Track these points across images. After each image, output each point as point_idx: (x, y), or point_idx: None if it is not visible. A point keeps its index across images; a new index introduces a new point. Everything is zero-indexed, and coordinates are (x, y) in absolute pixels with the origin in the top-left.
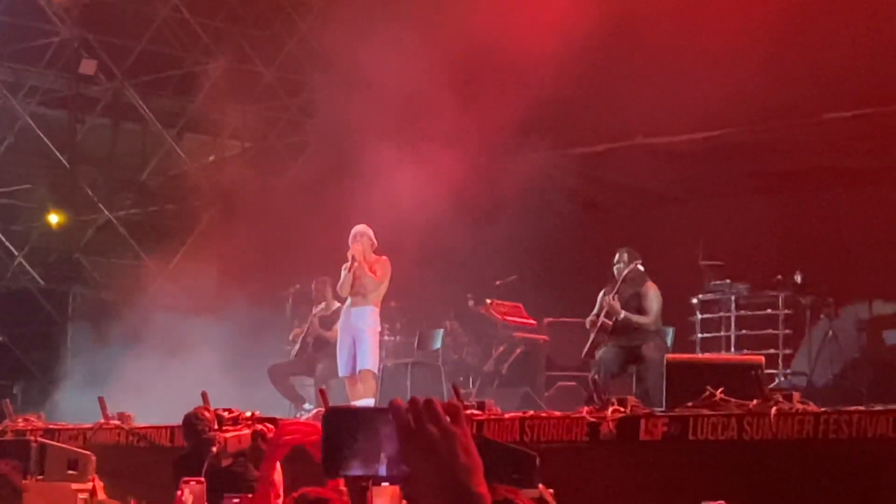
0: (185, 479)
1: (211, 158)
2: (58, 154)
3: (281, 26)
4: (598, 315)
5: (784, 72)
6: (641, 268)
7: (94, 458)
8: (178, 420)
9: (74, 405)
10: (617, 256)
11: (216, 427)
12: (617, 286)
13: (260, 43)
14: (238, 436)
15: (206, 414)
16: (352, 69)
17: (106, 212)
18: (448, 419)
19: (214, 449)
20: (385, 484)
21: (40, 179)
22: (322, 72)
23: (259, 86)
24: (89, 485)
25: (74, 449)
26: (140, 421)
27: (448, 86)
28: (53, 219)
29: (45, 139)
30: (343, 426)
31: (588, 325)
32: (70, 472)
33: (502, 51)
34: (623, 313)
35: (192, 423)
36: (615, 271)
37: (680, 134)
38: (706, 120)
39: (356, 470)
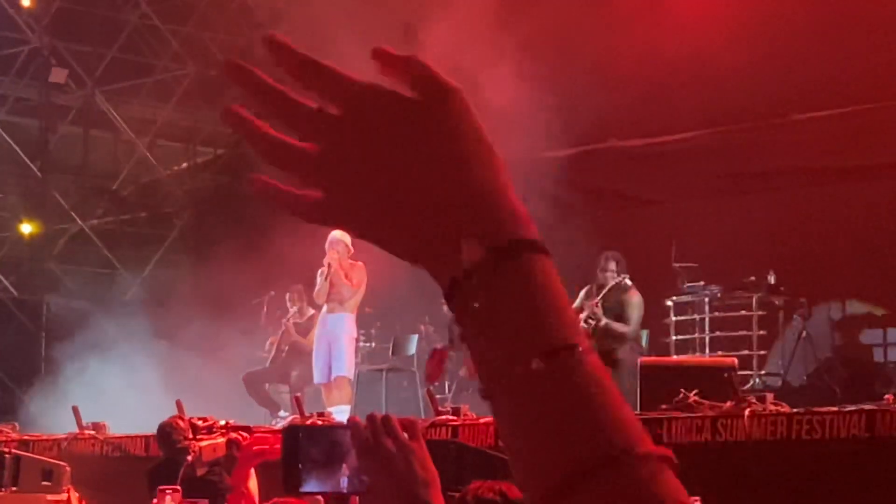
0: (161, 487)
1: (184, 165)
2: (29, 163)
3: (251, 31)
4: (578, 309)
5: (754, 73)
6: (629, 282)
7: (68, 468)
8: (152, 429)
9: (48, 415)
10: (603, 262)
11: (191, 436)
12: (603, 293)
13: (231, 49)
14: (213, 445)
15: (181, 423)
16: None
17: (79, 220)
18: (405, 434)
19: (189, 458)
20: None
21: (11, 189)
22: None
23: (230, 92)
24: (64, 496)
25: (49, 460)
26: (114, 430)
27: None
28: (26, 228)
29: (17, 148)
30: (301, 443)
31: None
32: (45, 482)
33: (474, 53)
34: (605, 320)
35: (167, 432)
36: (600, 277)
37: (652, 136)
38: (678, 122)
39: (315, 486)
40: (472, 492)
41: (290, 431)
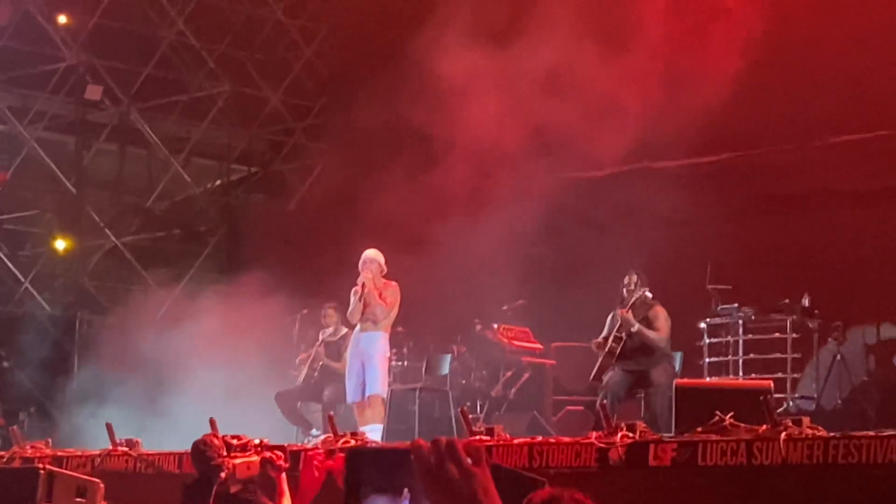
0: None
1: (217, 183)
2: (64, 179)
3: (286, 51)
4: (606, 337)
5: (789, 95)
6: (649, 294)
7: (102, 485)
8: (185, 447)
9: (82, 432)
10: (627, 278)
11: (225, 453)
12: (629, 304)
13: (265, 67)
14: (247, 462)
15: (216, 440)
16: (359, 93)
17: (112, 237)
18: (469, 460)
19: (223, 475)
20: None
21: (47, 205)
22: (328, 97)
23: (265, 110)
24: None
25: (82, 476)
26: (148, 447)
27: (453, 109)
28: (60, 244)
29: (52, 164)
30: (364, 465)
31: (594, 348)
32: (78, 499)
33: (506, 73)
34: (637, 325)
35: (201, 449)
36: (624, 292)
37: (686, 158)
38: (712, 143)
39: None
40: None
41: (355, 453)
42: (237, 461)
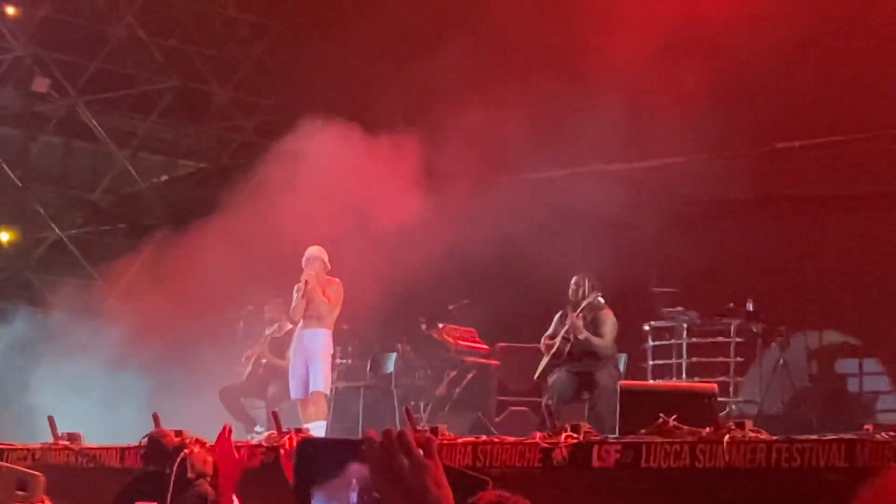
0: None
1: (164, 178)
2: (9, 171)
3: (236, 47)
4: (553, 336)
5: (737, 100)
6: (602, 300)
7: (43, 478)
8: (127, 441)
9: (22, 425)
10: (575, 280)
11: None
12: (580, 310)
13: (215, 63)
14: (204, 457)
15: (172, 436)
16: (308, 91)
17: (57, 230)
18: (421, 452)
19: (180, 459)
20: None
21: None
22: (277, 94)
23: (213, 106)
24: None
25: (23, 469)
26: (89, 442)
27: (405, 111)
28: (4, 236)
29: None
30: (315, 457)
31: (543, 348)
32: (19, 492)
33: (458, 76)
34: (585, 333)
35: (160, 442)
36: (571, 294)
37: (635, 161)
38: (661, 147)
39: (327, 500)
40: (487, 500)
41: (305, 445)
42: (195, 450)
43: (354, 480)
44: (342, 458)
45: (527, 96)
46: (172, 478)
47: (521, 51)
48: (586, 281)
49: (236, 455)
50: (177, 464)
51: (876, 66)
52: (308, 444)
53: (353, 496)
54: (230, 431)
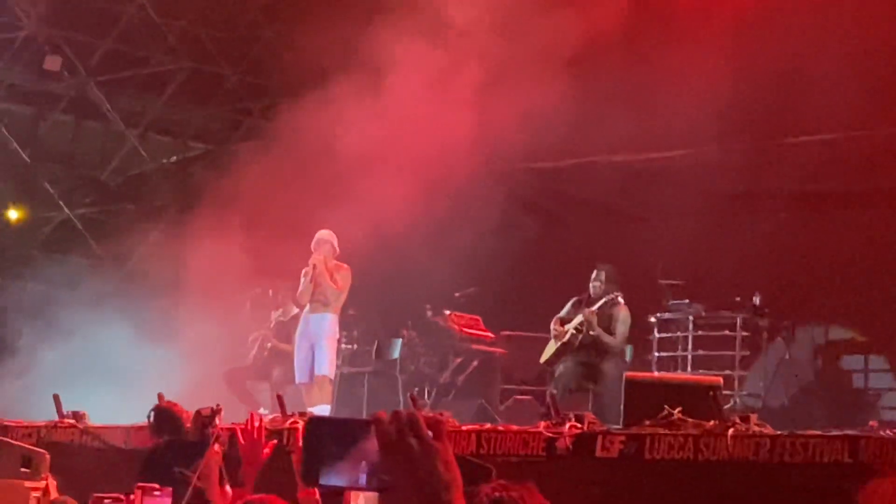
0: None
1: (173, 159)
2: (19, 149)
3: (247, 30)
4: (565, 321)
5: (749, 94)
6: (621, 300)
7: (47, 456)
8: (131, 420)
9: (28, 403)
10: (595, 274)
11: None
12: (597, 306)
13: (225, 45)
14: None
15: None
16: (318, 76)
17: (66, 209)
18: (430, 433)
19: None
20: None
21: (0, 175)
22: (287, 77)
23: (223, 88)
24: (43, 483)
25: (28, 447)
26: (93, 421)
27: (413, 98)
28: (12, 214)
29: (7, 134)
30: (324, 436)
31: (553, 330)
32: (23, 469)
33: (454, 67)
34: (598, 330)
35: (169, 412)
36: (591, 288)
37: (643, 152)
38: (670, 139)
39: (335, 480)
40: (487, 493)
41: (314, 423)
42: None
43: (364, 461)
44: (351, 437)
45: (536, 85)
46: (213, 442)
47: (532, 39)
48: (602, 275)
49: (264, 448)
50: (214, 435)
51: (883, 63)
52: (317, 422)
53: (363, 477)
54: (261, 421)
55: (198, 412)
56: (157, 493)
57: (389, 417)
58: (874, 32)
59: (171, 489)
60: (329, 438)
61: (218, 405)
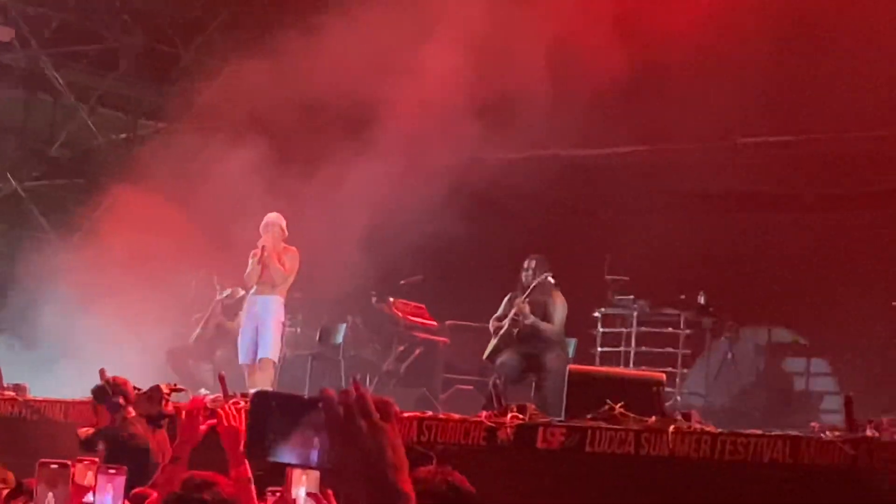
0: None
1: (123, 136)
2: None
3: (202, 9)
4: (501, 317)
5: (701, 93)
6: (552, 280)
7: None
8: (71, 395)
9: None
10: (526, 263)
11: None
12: (528, 293)
13: (180, 24)
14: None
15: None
16: (274, 56)
17: (13, 181)
18: (378, 415)
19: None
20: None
21: None
22: (241, 57)
23: (176, 67)
24: None
25: None
26: (35, 394)
27: (369, 85)
28: None
29: None
30: (272, 410)
31: (492, 329)
32: None
33: (394, 59)
34: (532, 318)
35: (115, 390)
36: (523, 278)
37: (594, 148)
38: (620, 136)
39: (284, 456)
40: (420, 480)
41: (261, 397)
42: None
43: (316, 439)
44: (298, 414)
45: (490, 79)
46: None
47: (492, 36)
48: (533, 262)
49: (202, 425)
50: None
51: (845, 68)
52: (263, 396)
53: (315, 454)
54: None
55: (157, 387)
56: (112, 470)
57: (339, 397)
58: (844, 35)
59: (125, 467)
60: (276, 414)
61: (176, 384)
